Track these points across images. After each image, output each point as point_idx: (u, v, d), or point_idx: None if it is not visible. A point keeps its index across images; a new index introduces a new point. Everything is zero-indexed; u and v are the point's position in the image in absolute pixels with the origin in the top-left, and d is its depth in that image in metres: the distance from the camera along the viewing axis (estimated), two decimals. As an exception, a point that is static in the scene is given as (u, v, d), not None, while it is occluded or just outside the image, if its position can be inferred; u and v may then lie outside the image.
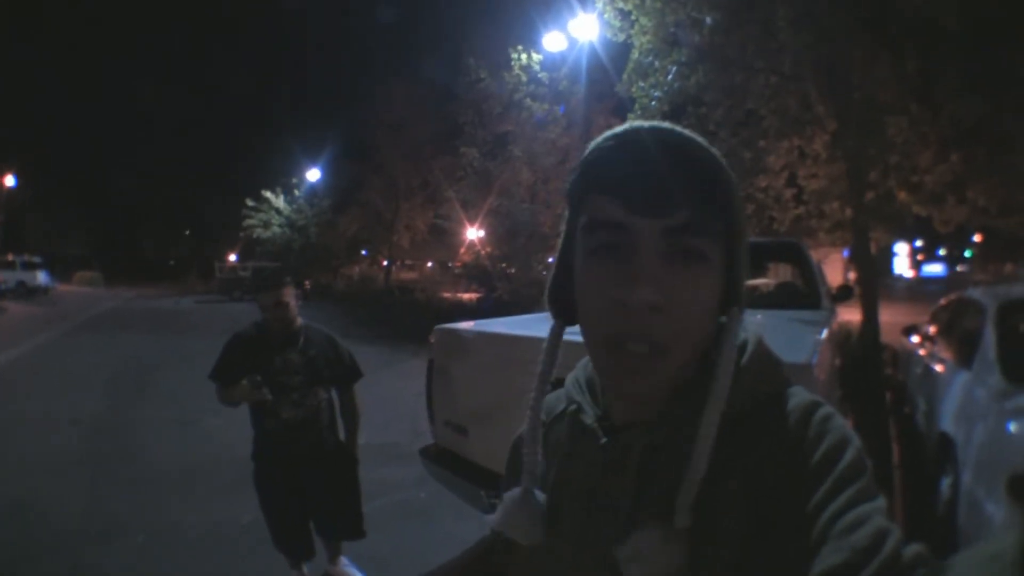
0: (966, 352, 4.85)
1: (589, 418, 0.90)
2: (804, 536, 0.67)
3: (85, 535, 4.83)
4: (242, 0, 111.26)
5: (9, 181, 45.43)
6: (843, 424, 0.75)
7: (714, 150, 0.76)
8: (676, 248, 0.73)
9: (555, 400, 1.02)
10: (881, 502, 0.68)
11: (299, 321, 3.77)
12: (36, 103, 68.38)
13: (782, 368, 0.84)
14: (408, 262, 62.43)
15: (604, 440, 0.86)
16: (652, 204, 0.73)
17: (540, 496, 0.92)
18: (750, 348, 0.83)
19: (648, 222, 0.73)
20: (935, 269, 65.02)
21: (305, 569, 3.90)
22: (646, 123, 0.76)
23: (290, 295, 3.65)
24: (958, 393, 4.59)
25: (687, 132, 0.76)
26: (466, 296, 26.47)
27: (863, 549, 0.63)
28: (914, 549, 0.64)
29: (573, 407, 0.95)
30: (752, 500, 0.72)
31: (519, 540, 0.91)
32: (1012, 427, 3.47)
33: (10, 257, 37.21)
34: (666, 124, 0.76)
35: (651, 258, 0.73)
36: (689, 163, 0.74)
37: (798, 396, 0.79)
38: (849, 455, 0.71)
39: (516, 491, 0.92)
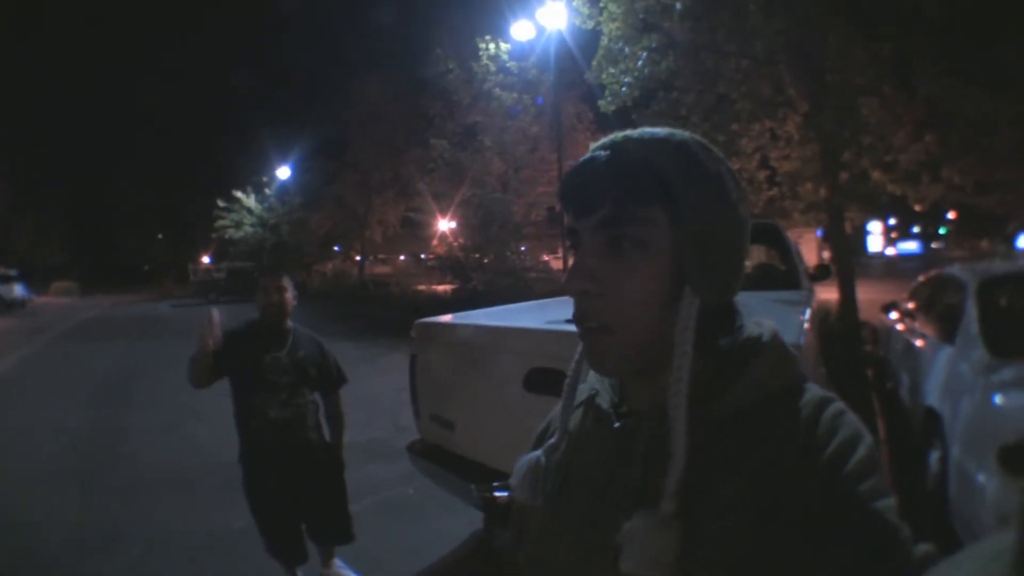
0: (948, 328, 4.91)
1: (605, 402, 0.94)
2: (816, 533, 0.67)
3: (81, 546, 4.77)
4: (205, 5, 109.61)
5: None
6: (854, 420, 0.76)
7: (668, 140, 0.82)
8: (611, 238, 0.80)
9: (578, 391, 1.04)
10: (892, 500, 0.69)
11: (290, 322, 3.77)
12: (12, 106, 67.12)
13: (796, 364, 0.83)
14: (381, 256, 62.48)
15: (617, 425, 0.88)
16: (584, 205, 0.82)
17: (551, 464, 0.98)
18: (764, 341, 0.84)
19: (583, 221, 0.83)
20: (910, 247, 65.71)
21: (300, 574, 3.86)
22: (607, 137, 0.85)
23: (289, 285, 3.75)
24: (942, 368, 4.64)
25: (639, 132, 0.84)
26: (440, 288, 26.47)
27: (875, 549, 0.64)
28: (924, 549, 0.66)
29: (592, 393, 0.97)
30: (759, 495, 0.72)
31: (522, 499, 0.97)
32: (998, 400, 3.52)
33: None
34: (625, 132, 0.84)
35: (588, 251, 0.82)
36: (619, 163, 0.81)
37: (810, 392, 0.80)
38: (860, 452, 0.72)
39: (532, 455, 0.98)
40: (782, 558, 0.68)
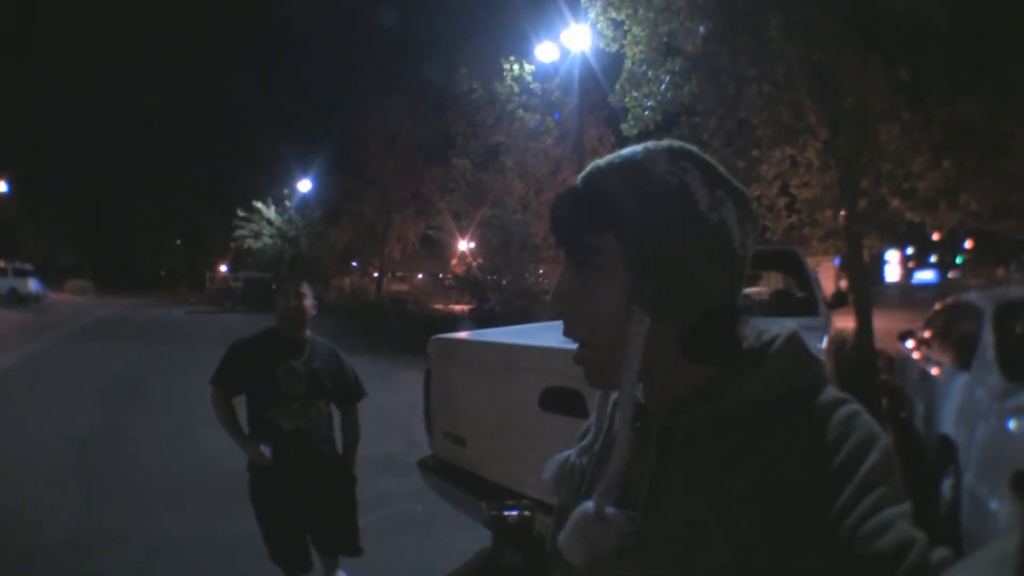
0: (964, 354, 4.88)
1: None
2: (824, 540, 0.66)
3: (82, 546, 4.78)
4: (230, 14, 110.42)
5: (1, 187, 45.28)
6: (869, 422, 0.75)
7: (627, 162, 0.84)
8: (576, 263, 0.86)
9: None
10: (906, 506, 0.67)
11: (307, 332, 3.75)
12: (32, 107, 67.75)
13: (815, 365, 0.82)
14: (399, 274, 62.38)
15: (637, 424, 0.88)
16: (556, 235, 0.89)
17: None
18: (778, 341, 0.83)
19: (560, 249, 0.89)
20: (927, 276, 65.07)
21: None
22: (587, 168, 0.89)
23: (308, 292, 3.73)
24: (957, 395, 4.62)
25: (607, 160, 0.86)
26: (458, 308, 26.30)
27: (887, 556, 0.62)
28: (940, 554, 0.63)
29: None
30: (764, 497, 0.71)
31: (550, 494, 0.99)
32: (1012, 425, 3.49)
33: (1, 264, 36.77)
34: (598, 161, 0.87)
35: (563, 274, 0.88)
36: (578, 195, 0.86)
37: (827, 394, 0.78)
38: (874, 456, 0.70)
39: (564, 453, 1.01)
40: (783, 563, 0.67)
